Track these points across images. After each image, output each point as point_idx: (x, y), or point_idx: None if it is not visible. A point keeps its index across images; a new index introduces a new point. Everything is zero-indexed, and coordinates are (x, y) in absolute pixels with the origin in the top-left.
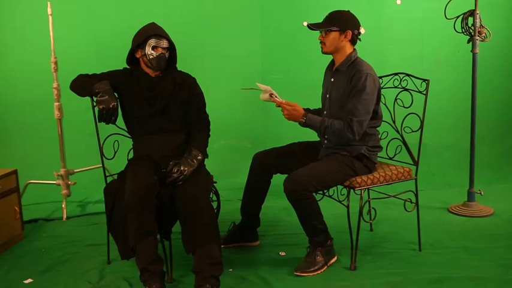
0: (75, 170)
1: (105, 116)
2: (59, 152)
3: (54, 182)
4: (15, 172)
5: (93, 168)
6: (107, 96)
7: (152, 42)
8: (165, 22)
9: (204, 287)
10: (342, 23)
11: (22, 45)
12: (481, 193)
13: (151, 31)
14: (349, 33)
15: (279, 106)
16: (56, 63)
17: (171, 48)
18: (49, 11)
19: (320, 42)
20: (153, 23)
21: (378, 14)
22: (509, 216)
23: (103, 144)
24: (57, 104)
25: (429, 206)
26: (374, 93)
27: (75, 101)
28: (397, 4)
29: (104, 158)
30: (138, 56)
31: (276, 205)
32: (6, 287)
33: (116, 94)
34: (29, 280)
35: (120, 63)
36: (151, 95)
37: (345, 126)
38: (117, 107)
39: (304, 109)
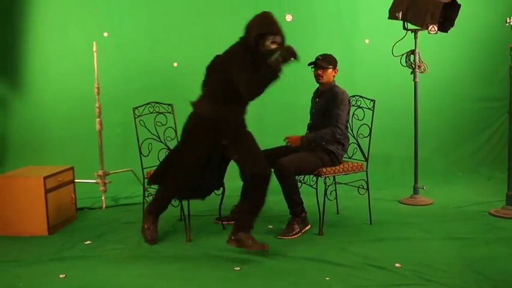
0: (110, 172)
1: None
2: (98, 157)
3: (94, 180)
4: (72, 168)
5: (124, 171)
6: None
7: (270, 38)
8: (177, 51)
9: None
10: (333, 63)
11: (65, 74)
12: (423, 188)
13: (271, 29)
14: (337, 70)
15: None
16: (98, 88)
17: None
18: (94, 48)
19: (317, 75)
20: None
21: (349, 51)
22: (444, 205)
23: (141, 144)
24: (98, 119)
25: (385, 199)
26: (347, 105)
27: (110, 119)
28: (366, 43)
29: (141, 156)
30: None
31: (268, 198)
32: (73, 246)
33: None
34: (88, 242)
35: (143, 88)
36: None
37: (333, 129)
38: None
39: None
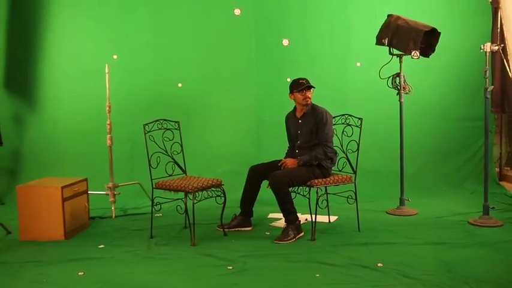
0: (119, 184)
1: None
2: (108, 171)
3: (105, 192)
4: (86, 179)
5: (131, 184)
6: None
7: None
8: (184, 81)
9: None
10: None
11: (77, 92)
12: (408, 200)
13: None
14: None
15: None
16: (109, 106)
17: None
18: (107, 69)
19: (307, 97)
20: None
21: (342, 73)
22: (427, 215)
23: (150, 157)
24: (109, 135)
25: (373, 210)
26: (332, 122)
27: (120, 135)
28: (357, 66)
29: (150, 168)
30: None
31: (265, 210)
32: (88, 249)
33: None
34: (102, 245)
35: (150, 107)
36: None
37: (325, 149)
38: None
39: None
